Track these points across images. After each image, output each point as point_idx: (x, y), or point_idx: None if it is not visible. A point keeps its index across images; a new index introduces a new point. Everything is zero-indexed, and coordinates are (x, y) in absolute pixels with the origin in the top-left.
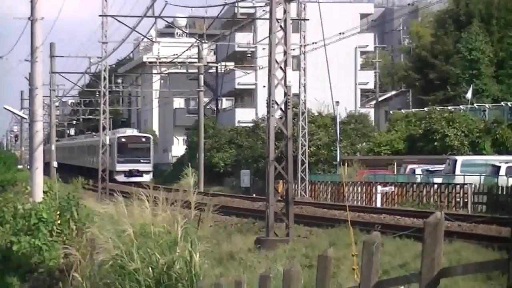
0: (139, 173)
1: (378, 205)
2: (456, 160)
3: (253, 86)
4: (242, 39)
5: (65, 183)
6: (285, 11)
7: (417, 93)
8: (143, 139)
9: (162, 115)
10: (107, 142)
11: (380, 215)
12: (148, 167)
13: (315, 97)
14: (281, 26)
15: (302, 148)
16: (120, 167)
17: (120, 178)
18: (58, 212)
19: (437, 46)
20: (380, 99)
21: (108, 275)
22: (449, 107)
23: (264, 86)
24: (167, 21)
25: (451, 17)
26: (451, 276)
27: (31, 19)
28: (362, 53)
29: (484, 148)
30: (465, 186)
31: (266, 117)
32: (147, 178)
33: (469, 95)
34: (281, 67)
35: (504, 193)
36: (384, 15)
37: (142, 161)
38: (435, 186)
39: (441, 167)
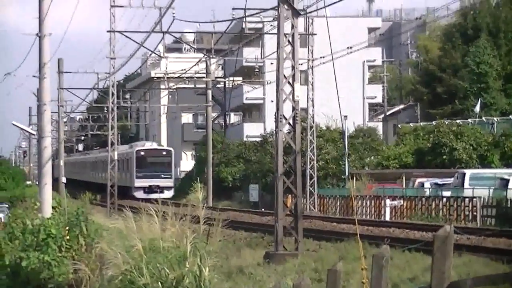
0: (160, 189)
1: (387, 218)
2: (464, 174)
3: (261, 101)
4: (250, 54)
5: (74, 199)
6: (293, 26)
7: (425, 106)
8: (164, 153)
9: (170, 130)
10: (116, 157)
11: (389, 229)
12: (170, 182)
13: (323, 111)
14: (289, 41)
15: (310, 162)
16: (139, 182)
17: (139, 194)
18: (67, 228)
19: (445, 59)
20: (388, 113)
21: None
22: (457, 121)
23: (272, 101)
24: (175, 37)
25: (459, 31)
26: None
27: (39, 35)
28: (370, 67)
29: (492, 161)
30: (474, 199)
31: (274, 131)
32: (168, 194)
33: (477, 108)
34: (289, 82)
35: None
36: (391, 29)
37: (163, 176)
38: (444, 199)
39: (449, 180)
